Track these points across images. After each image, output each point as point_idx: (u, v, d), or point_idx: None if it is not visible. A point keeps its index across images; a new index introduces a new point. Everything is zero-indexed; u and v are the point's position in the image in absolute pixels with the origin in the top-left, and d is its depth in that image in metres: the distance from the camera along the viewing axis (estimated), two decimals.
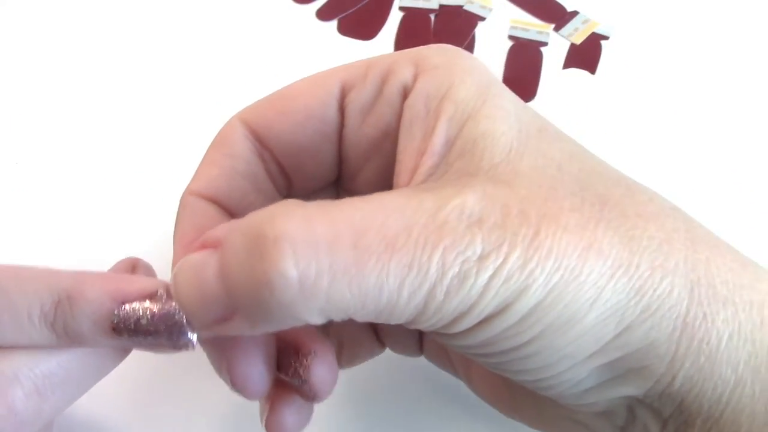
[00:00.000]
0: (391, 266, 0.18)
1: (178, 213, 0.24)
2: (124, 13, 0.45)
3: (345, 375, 0.28)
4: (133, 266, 0.24)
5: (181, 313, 0.21)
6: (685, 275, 0.19)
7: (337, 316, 0.19)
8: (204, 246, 0.20)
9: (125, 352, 0.23)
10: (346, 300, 0.18)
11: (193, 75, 0.42)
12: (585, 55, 0.45)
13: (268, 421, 0.24)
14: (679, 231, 0.20)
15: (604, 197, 0.20)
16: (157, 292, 0.21)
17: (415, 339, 0.28)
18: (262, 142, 0.24)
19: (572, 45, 0.45)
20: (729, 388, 0.19)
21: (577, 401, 0.22)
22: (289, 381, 0.23)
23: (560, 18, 0.47)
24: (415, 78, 0.22)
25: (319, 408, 0.24)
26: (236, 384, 0.22)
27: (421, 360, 0.29)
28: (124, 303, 0.21)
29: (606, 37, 0.45)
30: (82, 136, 0.40)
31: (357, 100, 0.23)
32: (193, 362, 0.32)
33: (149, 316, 0.21)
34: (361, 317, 0.19)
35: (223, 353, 0.22)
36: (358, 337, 0.28)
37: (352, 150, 0.24)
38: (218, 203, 0.24)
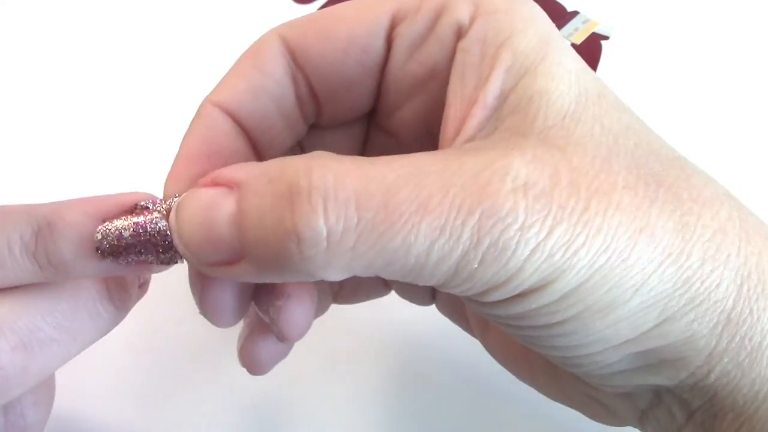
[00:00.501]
0: (422, 228, 0.17)
1: (193, 120, 0.22)
2: (124, 14, 0.45)
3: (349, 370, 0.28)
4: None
5: (165, 223, 0.20)
6: (736, 269, 0.19)
7: (361, 273, 0.18)
8: (216, 183, 0.19)
9: (117, 310, 0.22)
10: (370, 259, 0.17)
11: (192, 76, 0.42)
12: (585, 55, 0.45)
13: (241, 349, 0.24)
14: (733, 220, 0.19)
15: (659, 177, 0.19)
16: (136, 205, 0.20)
17: (426, 288, 0.27)
18: (297, 64, 0.22)
19: (572, 45, 0.45)
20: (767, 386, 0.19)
21: (603, 382, 0.21)
22: (262, 316, 0.23)
23: (560, 18, 0.47)
24: (473, 19, 0.21)
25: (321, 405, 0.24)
26: (203, 310, 0.22)
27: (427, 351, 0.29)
28: (105, 221, 0.20)
29: (606, 37, 0.45)
30: (81, 136, 0.40)
31: (406, 34, 0.22)
32: (193, 364, 0.32)
33: (131, 229, 0.20)
34: (386, 276, 0.18)
35: (197, 276, 0.22)
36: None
37: (393, 85, 0.23)
38: (237, 120, 0.22)
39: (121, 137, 0.39)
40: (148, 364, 0.32)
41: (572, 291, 0.18)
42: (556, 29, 0.21)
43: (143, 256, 0.20)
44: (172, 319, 0.33)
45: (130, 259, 0.20)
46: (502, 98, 0.20)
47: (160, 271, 0.21)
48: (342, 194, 0.17)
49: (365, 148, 0.25)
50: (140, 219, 0.20)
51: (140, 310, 0.25)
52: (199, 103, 0.22)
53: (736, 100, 0.42)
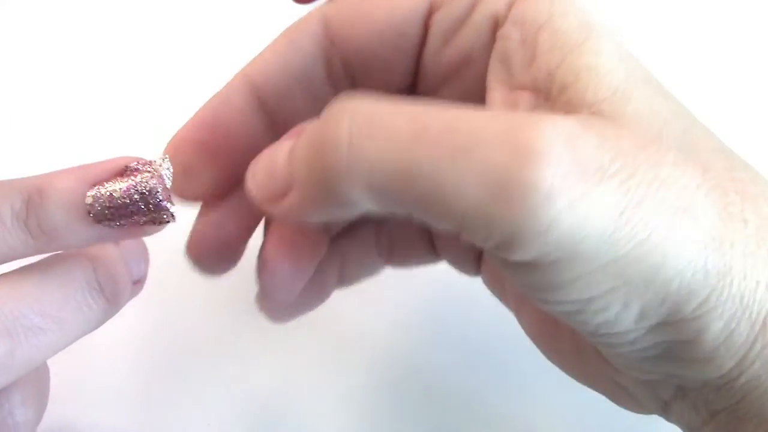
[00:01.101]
0: (442, 152, 0.16)
1: (221, 89, 0.23)
2: (124, 15, 0.45)
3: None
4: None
5: (155, 182, 0.20)
6: None
7: (382, 200, 0.17)
8: (291, 135, 0.21)
9: (108, 303, 0.22)
10: (388, 171, 0.17)
11: (192, 76, 0.42)
12: None
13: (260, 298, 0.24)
14: None
15: (706, 164, 0.18)
16: (126, 167, 0.20)
17: (473, 255, 0.27)
18: (335, 43, 0.23)
19: None
20: None
21: (632, 366, 0.20)
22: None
23: None
24: (511, 5, 0.21)
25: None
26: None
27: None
28: (95, 185, 0.20)
29: None
30: (82, 136, 0.40)
31: (443, 20, 0.22)
32: (193, 363, 0.32)
33: (122, 190, 0.20)
34: (404, 208, 0.17)
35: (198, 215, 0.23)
36: (411, 239, 0.27)
37: (429, 70, 0.23)
38: (261, 96, 0.23)
39: (121, 139, 0.39)
40: (147, 363, 0.32)
41: (607, 264, 0.16)
42: (597, 17, 0.20)
43: (135, 216, 0.20)
44: (172, 318, 0.33)
45: (122, 222, 0.20)
46: (550, 78, 0.19)
47: (151, 233, 0.21)
48: (373, 112, 0.17)
49: None
50: (131, 180, 0.20)
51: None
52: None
53: (735, 100, 0.42)
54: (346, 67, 0.23)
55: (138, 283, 0.24)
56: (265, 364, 0.32)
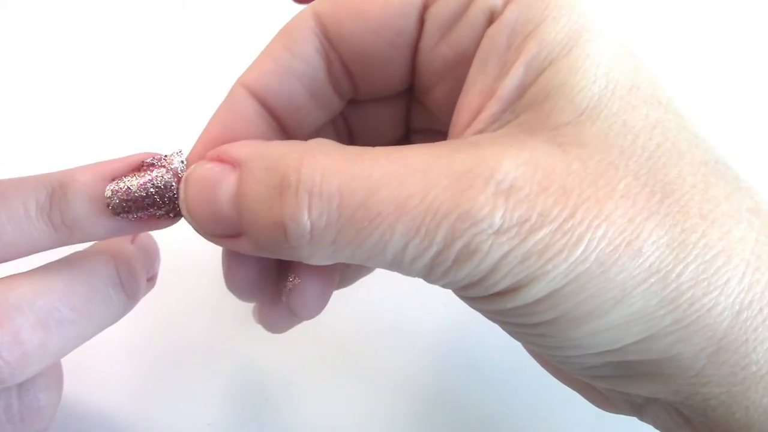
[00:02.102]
0: (397, 228, 0.17)
1: (223, 101, 0.23)
2: (124, 15, 0.45)
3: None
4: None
5: (170, 176, 0.21)
6: (735, 295, 0.17)
7: (347, 261, 0.19)
8: (221, 159, 0.20)
9: (127, 297, 0.23)
10: (351, 252, 0.18)
11: (192, 77, 0.42)
12: None
13: (259, 310, 0.26)
14: (746, 242, 0.18)
15: (670, 186, 0.18)
16: (143, 163, 0.22)
17: None
18: (331, 42, 0.22)
19: None
20: (765, 416, 0.18)
21: (590, 382, 0.21)
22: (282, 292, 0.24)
23: None
24: (506, 3, 0.20)
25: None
26: (229, 284, 0.23)
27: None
28: (114, 179, 0.21)
29: None
30: (82, 136, 0.40)
31: (438, 16, 0.21)
32: (194, 362, 0.32)
33: (139, 183, 0.21)
34: (371, 266, 0.19)
35: (225, 252, 0.23)
36: None
37: (425, 66, 0.22)
38: (264, 102, 0.23)
39: (121, 139, 0.39)
40: (147, 362, 0.32)
41: (547, 296, 0.18)
42: (599, 13, 0.20)
43: (151, 209, 0.21)
44: (172, 318, 0.33)
45: (139, 214, 0.21)
46: (521, 91, 0.19)
47: (166, 226, 0.22)
48: (326, 190, 0.18)
49: (410, 120, 0.26)
50: (147, 175, 0.21)
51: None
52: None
53: (735, 100, 0.42)
54: (344, 67, 0.23)
55: (151, 279, 0.26)
56: (266, 364, 0.32)
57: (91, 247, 0.24)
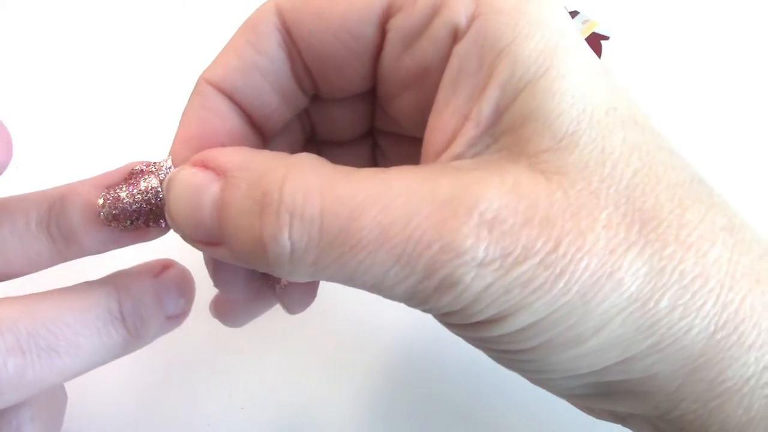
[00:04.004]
0: (379, 254, 0.17)
1: (190, 98, 0.22)
2: (124, 15, 0.45)
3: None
4: (164, 266, 0.24)
5: (157, 182, 0.21)
6: (710, 317, 0.18)
7: (327, 281, 0.19)
8: (205, 165, 0.19)
9: (129, 335, 0.22)
10: (331, 274, 0.18)
11: (192, 77, 0.42)
12: None
13: (215, 302, 0.25)
14: (719, 263, 0.18)
15: (648, 214, 0.18)
16: (132, 171, 0.22)
17: None
18: (292, 38, 0.22)
19: None
20: (739, 428, 0.18)
21: (570, 400, 0.21)
22: (270, 290, 0.24)
23: None
24: (472, 19, 0.19)
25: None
26: (216, 282, 0.23)
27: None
28: (108, 189, 0.21)
29: (606, 37, 0.45)
30: (82, 136, 0.40)
31: (399, 28, 0.20)
32: (194, 364, 0.32)
33: (128, 192, 0.21)
34: (351, 286, 0.19)
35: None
36: None
37: (387, 76, 0.22)
38: (231, 97, 0.22)
39: (121, 139, 0.39)
40: (147, 363, 0.32)
41: (529, 326, 0.18)
42: (571, 30, 0.19)
43: (141, 218, 0.21)
44: None
45: (129, 222, 0.21)
46: (497, 115, 0.19)
47: (158, 235, 0.22)
48: (308, 213, 0.18)
49: (374, 121, 0.25)
50: (136, 183, 0.21)
51: None
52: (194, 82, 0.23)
53: (736, 100, 0.42)
54: (306, 66, 0.22)
55: (175, 318, 0.24)
56: (266, 365, 0.32)
57: (99, 278, 0.23)
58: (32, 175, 0.38)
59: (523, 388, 0.30)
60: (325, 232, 0.17)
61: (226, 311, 0.25)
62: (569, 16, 0.20)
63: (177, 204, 0.20)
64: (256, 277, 0.24)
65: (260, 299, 0.25)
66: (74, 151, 0.39)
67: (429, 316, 0.19)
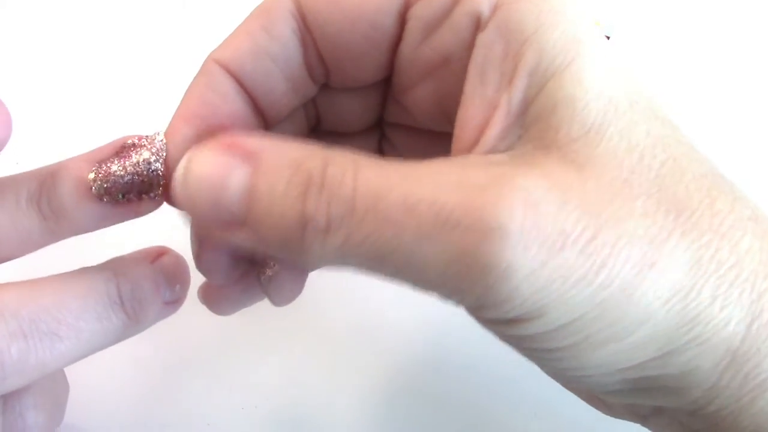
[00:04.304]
0: (406, 232, 0.17)
1: (196, 77, 0.22)
2: (124, 14, 0.45)
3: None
4: (159, 253, 0.24)
5: (147, 152, 0.21)
6: (747, 306, 0.18)
7: (355, 267, 0.18)
8: (231, 148, 0.19)
9: (129, 319, 0.22)
10: (357, 255, 0.18)
11: (192, 76, 0.42)
12: None
13: (203, 289, 0.25)
14: (753, 253, 0.18)
15: (681, 203, 0.18)
16: (124, 145, 0.21)
17: None
18: (307, 26, 0.21)
19: None
20: None
21: (602, 397, 0.21)
22: (255, 279, 0.24)
23: None
24: (495, 8, 0.19)
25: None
26: (199, 266, 0.23)
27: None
28: (99, 163, 0.21)
29: (606, 37, 0.45)
30: (80, 135, 0.39)
31: (420, 16, 0.20)
32: (194, 363, 0.32)
33: (119, 163, 0.21)
34: (380, 273, 0.18)
35: (197, 234, 0.22)
36: None
37: (406, 66, 0.22)
38: (238, 80, 0.22)
39: (121, 131, 0.39)
40: (148, 362, 0.32)
41: (570, 323, 0.17)
42: (590, 20, 0.19)
43: (133, 190, 0.21)
44: (172, 318, 0.33)
45: (121, 195, 0.21)
46: (526, 104, 0.18)
47: (151, 209, 0.22)
48: (343, 193, 0.17)
49: (384, 113, 0.25)
50: (128, 155, 0.21)
51: None
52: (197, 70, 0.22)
53: (736, 100, 0.42)
54: (320, 54, 0.22)
55: (171, 304, 0.24)
56: (266, 364, 0.32)
57: (97, 264, 0.23)
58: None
59: (525, 388, 0.30)
60: (356, 211, 0.17)
61: (213, 297, 0.25)
62: (586, 6, 0.20)
63: (197, 185, 0.19)
64: (241, 264, 0.24)
65: (246, 288, 0.25)
66: (74, 150, 0.39)
67: (432, 316, 0.19)
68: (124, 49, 0.43)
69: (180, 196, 0.20)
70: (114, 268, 0.22)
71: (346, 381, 0.32)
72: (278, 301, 0.24)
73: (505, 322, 0.18)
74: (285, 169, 0.18)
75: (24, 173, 0.22)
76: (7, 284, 0.21)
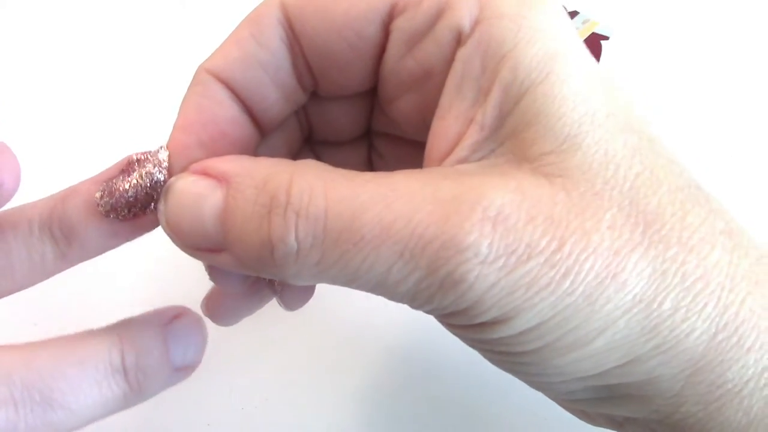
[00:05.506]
0: (381, 251, 0.17)
1: (189, 87, 0.22)
2: (124, 14, 0.45)
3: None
4: (176, 314, 0.23)
5: (151, 165, 0.21)
6: (711, 319, 0.18)
7: (331, 283, 0.19)
8: (206, 173, 0.20)
9: (130, 388, 0.21)
10: (335, 273, 0.18)
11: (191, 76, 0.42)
12: None
13: (207, 299, 0.25)
14: (720, 266, 0.18)
15: (652, 216, 0.18)
16: (129, 162, 0.21)
17: None
18: (294, 34, 0.22)
19: None
20: (738, 430, 0.18)
21: (571, 405, 0.21)
22: (268, 287, 0.24)
23: None
24: (476, 23, 0.19)
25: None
26: (212, 277, 0.23)
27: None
28: (106, 182, 0.21)
29: (606, 37, 0.45)
30: (80, 135, 0.40)
31: (403, 28, 0.20)
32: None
33: (124, 179, 0.21)
34: (355, 288, 0.19)
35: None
36: None
37: (390, 76, 0.22)
38: (231, 88, 0.22)
39: (122, 138, 0.39)
40: None
41: (533, 328, 0.18)
42: (571, 36, 0.20)
43: (138, 204, 0.21)
44: None
45: (127, 211, 0.21)
46: (501, 119, 0.19)
47: (159, 223, 0.21)
48: (313, 212, 0.18)
49: (371, 122, 0.25)
50: (133, 171, 0.21)
51: (141, 309, 0.25)
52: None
53: (736, 100, 0.42)
54: (307, 62, 0.22)
55: (183, 370, 0.23)
56: (266, 365, 0.32)
57: (103, 327, 0.22)
58: (32, 176, 0.38)
59: (522, 389, 0.30)
60: (328, 231, 0.18)
61: (218, 309, 0.25)
62: (570, 22, 0.20)
63: (176, 212, 0.20)
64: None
65: (255, 295, 0.25)
66: (73, 149, 0.39)
67: (429, 317, 0.19)
68: (124, 50, 0.43)
69: (163, 224, 0.20)
70: (120, 332, 0.21)
71: (346, 381, 0.32)
72: (292, 306, 0.24)
73: (472, 327, 0.19)
74: (252, 189, 0.18)
75: (35, 202, 0.22)
76: (3, 346, 0.20)
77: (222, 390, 0.31)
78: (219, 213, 0.19)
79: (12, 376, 0.19)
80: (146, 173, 0.21)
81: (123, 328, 0.21)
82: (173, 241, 0.20)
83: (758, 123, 0.41)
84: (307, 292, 0.25)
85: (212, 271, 0.23)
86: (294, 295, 0.24)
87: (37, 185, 0.37)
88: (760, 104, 0.42)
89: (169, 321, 0.22)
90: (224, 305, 0.25)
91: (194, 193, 0.19)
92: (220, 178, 0.19)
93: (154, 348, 0.21)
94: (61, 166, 0.38)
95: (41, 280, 0.22)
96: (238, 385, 0.32)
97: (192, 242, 0.20)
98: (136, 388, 0.21)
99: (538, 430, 0.31)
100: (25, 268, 0.21)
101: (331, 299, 0.28)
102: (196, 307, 0.29)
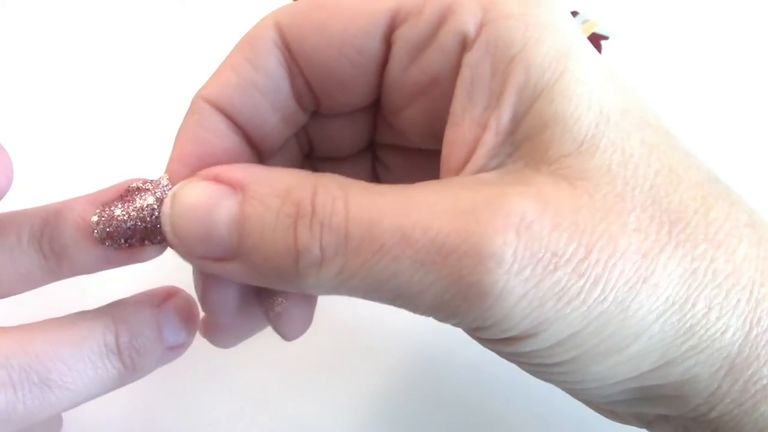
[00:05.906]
0: (402, 260, 0.17)
1: (186, 116, 0.22)
2: (124, 15, 0.45)
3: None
4: (167, 294, 0.23)
5: (152, 198, 0.21)
6: (745, 315, 0.18)
7: (350, 295, 0.18)
8: (217, 180, 0.19)
9: (125, 368, 0.21)
10: (355, 283, 0.18)
11: (191, 78, 0.41)
12: None
13: (205, 324, 0.24)
14: (749, 260, 0.18)
15: (675, 214, 0.18)
16: (129, 188, 0.21)
17: None
18: (292, 55, 0.21)
19: None
20: None
21: (606, 408, 0.21)
22: (264, 315, 0.23)
23: None
24: (481, 27, 0.19)
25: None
26: (205, 306, 0.22)
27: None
28: (103, 206, 0.21)
29: (606, 37, 0.45)
30: (79, 137, 0.40)
31: (406, 38, 0.20)
32: (194, 364, 0.32)
33: (122, 207, 0.21)
34: (377, 300, 0.18)
35: (201, 273, 0.22)
36: None
37: (395, 88, 0.21)
38: (229, 116, 0.21)
39: (122, 138, 0.39)
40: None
41: (565, 339, 0.17)
42: (578, 33, 0.19)
43: (136, 236, 0.21)
44: None
45: (124, 241, 0.21)
46: (516, 122, 0.18)
47: (154, 255, 0.21)
48: (335, 222, 0.17)
49: (375, 135, 0.25)
50: (132, 200, 0.21)
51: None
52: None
53: (736, 100, 0.42)
54: (307, 82, 0.22)
55: (176, 349, 0.23)
56: (266, 364, 0.32)
57: (97, 308, 0.22)
58: (28, 182, 0.38)
59: (528, 391, 0.30)
60: (350, 239, 0.17)
61: (216, 333, 0.25)
62: (572, 18, 0.20)
63: (186, 219, 0.19)
64: (248, 302, 0.23)
65: (250, 323, 0.25)
66: (72, 149, 0.39)
67: (432, 320, 0.19)
68: (123, 53, 0.43)
69: (168, 231, 0.20)
70: (113, 313, 0.22)
71: (346, 381, 0.32)
72: (290, 336, 0.24)
73: (502, 341, 0.18)
74: (273, 198, 0.18)
75: (27, 210, 0.21)
76: (0, 329, 0.20)
77: (222, 390, 0.31)
78: (234, 220, 0.18)
79: (9, 359, 0.19)
80: (147, 206, 0.21)
81: (116, 309, 0.22)
82: (177, 248, 0.20)
83: (758, 123, 0.41)
84: (305, 321, 0.24)
85: (205, 301, 0.22)
86: (290, 325, 0.23)
87: (36, 185, 0.37)
88: (761, 104, 0.42)
89: (161, 301, 0.23)
90: (222, 329, 0.25)
91: (205, 199, 0.19)
92: (234, 185, 0.19)
93: (147, 328, 0.22)
94: (59, 166, 0.38)
95: (28, 289, 0.21)
96: (238, 385, 0.32)
97: (200, 250, 0.19)
98: (131, 367, 0.22)
99: (539, 430, 0.31)
100: (11, 277, 0.21)
101: (332, 299, 0.27)
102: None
